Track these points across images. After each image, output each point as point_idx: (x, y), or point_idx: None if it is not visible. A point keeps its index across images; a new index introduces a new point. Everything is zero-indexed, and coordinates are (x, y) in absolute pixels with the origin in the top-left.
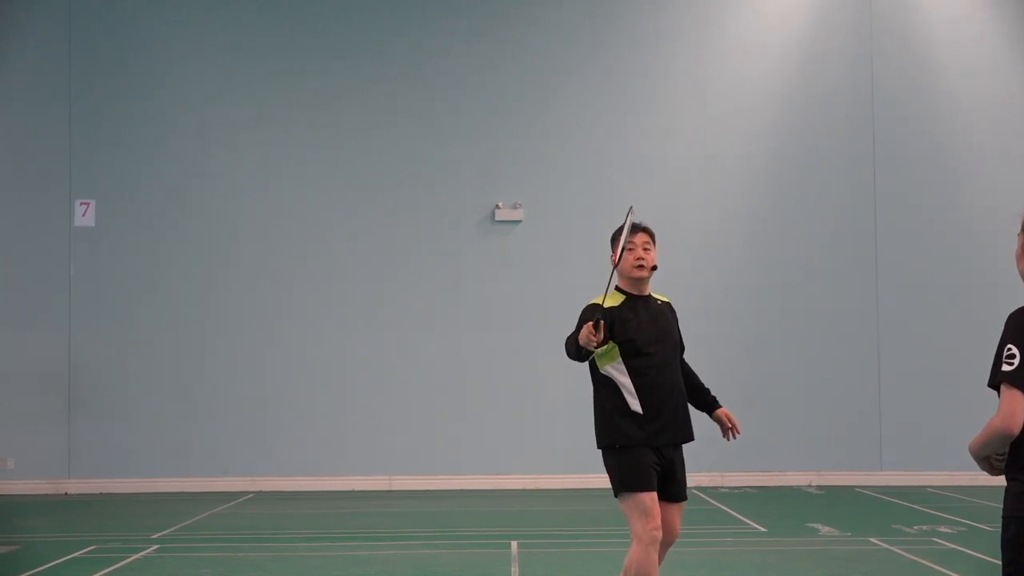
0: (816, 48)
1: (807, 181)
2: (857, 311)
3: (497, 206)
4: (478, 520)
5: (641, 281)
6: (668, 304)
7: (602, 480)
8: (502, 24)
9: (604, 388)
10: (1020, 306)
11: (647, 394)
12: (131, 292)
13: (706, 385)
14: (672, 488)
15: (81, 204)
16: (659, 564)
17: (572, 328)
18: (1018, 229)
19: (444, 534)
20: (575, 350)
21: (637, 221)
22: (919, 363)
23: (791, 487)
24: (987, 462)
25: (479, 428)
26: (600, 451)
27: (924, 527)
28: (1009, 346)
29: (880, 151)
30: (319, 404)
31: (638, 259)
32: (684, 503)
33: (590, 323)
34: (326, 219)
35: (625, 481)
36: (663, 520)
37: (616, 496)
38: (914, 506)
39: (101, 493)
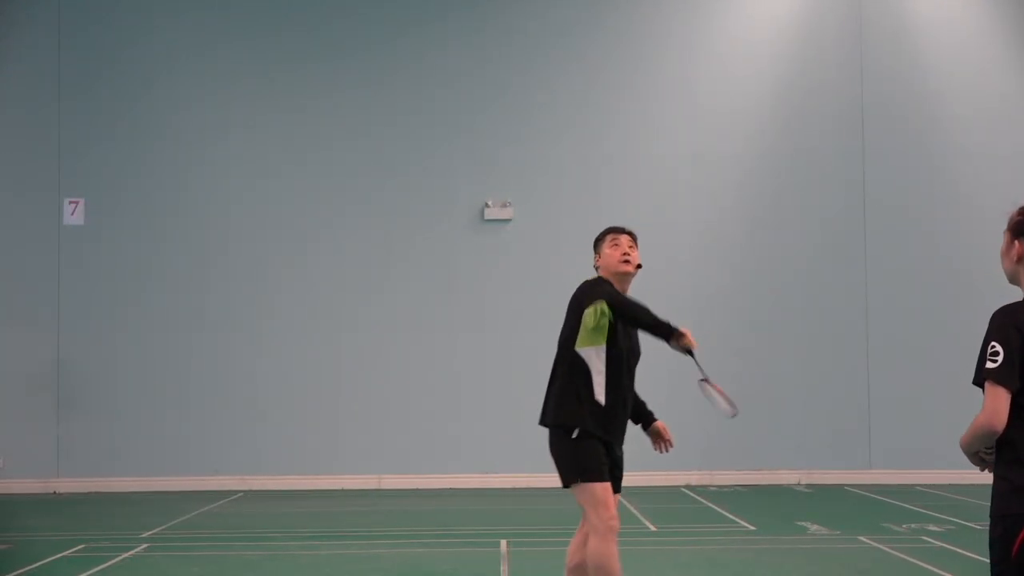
0: (806, 48)
1: (797, 181)
2: (846, 310)
3: (487, 204)
4: (468, 519)
5: (626, 278)
6: None
7: None
8: (492, 25)
9: (574, 368)
10: (1004, 304)
11: (612, 388)
12: (120, 291)
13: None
14: (613, 484)
15: (70, 203)
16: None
17: (564, 325)
18: (1005, 227)
19: (434, 533)
20: (666, 330)
21: (621, 226)
22: (908, 362)
23: (781, 485)
24: (977, 457)
25: (469, 427)
26: (548, 429)
27: (913, 525)
28: (993, 343)
29: (870, 150)
30: (309, 403)
31: (624, 255)
32: (619, 496)
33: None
34: (316, 218)
35: (583, 470)
36: None
37: (567, 486)
38: (903, 504)
39: (90, 492)
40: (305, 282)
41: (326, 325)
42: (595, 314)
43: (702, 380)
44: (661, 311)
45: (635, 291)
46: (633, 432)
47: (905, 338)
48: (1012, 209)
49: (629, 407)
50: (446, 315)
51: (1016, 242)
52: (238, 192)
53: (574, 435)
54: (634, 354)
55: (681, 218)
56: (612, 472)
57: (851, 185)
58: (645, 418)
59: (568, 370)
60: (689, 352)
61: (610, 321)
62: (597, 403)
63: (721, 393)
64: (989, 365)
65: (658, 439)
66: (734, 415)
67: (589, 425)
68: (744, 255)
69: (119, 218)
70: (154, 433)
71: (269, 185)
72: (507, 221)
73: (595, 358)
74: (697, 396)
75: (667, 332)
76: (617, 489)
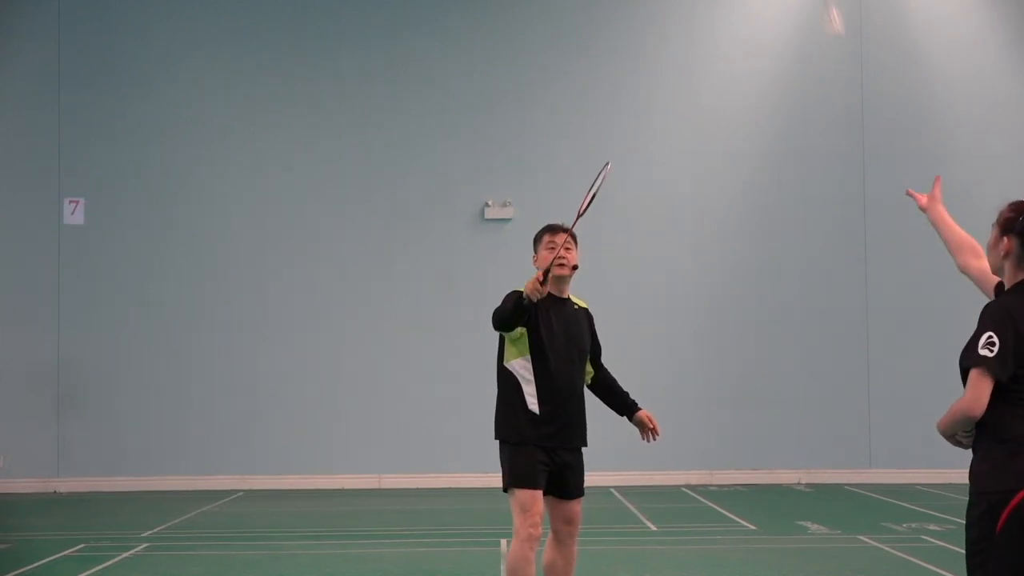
0: (806, 47)
1: (797, 180)
2: (846, 309)
3: (487, 204)
4: (468, 518)
5: (561, 280)
6: (585, 310)
7: (590, 479)
8: (492, 23)
9: (506, 383)
10: (996, 299)
11: (546, 396)
12: (120, 290)
13: (625, 389)
14: (565, 488)
15: (70, 202)
16: (573, 557)
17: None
18: (994, 221)
19: (434, 532)
20: (511, 308)
21: (559, 223)
22: (908, 361)
23: (781, 485)
24: (954, 439)
25: (469, 426)
26: (498, 443)
27: (913, 524)
28: (990, 333)
29: (869, 149)
30: (309, 402)
31: (559, 258)
32: (580, 498)
33: (539, 272)
34: (316, 218)
35: (512, 477)
36: (560, 514)
37: (505, 491)
38: (903, 504)
39: (91, 491)
40: (304, 281)
41: (326, 325)
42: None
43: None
44: (661, 309)
45: (634, 289)
46: (632, 432)
47: (905, 337)
48: (1003, 205)
49: (575, 406)
50: (446, 314)
51: (1004, 238)
52: (237, 191)
53: (513, 442)
54: (574, 351)
55: (682, 218)
56: (563, 476)
57: (851, 184)
58: (628, 409)
59: (501, 385)
60: (543, 279)
61: (534, 330)
62: (532, 413)
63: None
64: (984, 353)
65: (643, 429)
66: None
67: (528, 434)
68: (744, 254)
69: (120, 217)
70: (154, 433)
71: (268, 184)
72: (507, 220)
73: (521, 369)
74: (697, 396)
75: (519, 301)
76: (579, 493)
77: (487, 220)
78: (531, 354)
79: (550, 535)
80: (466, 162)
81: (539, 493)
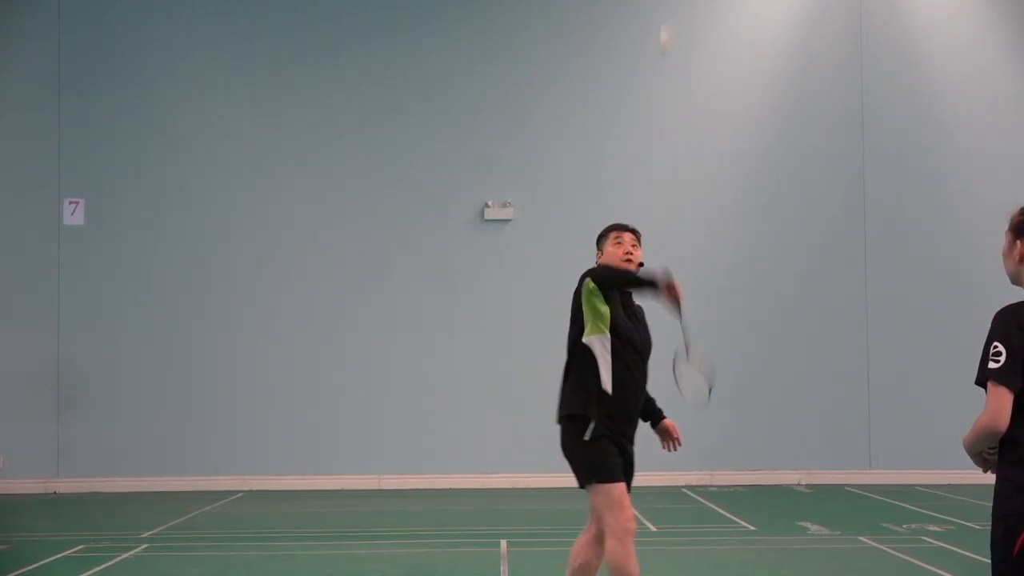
0: (806, 47)
1: (796, 180)
2: (846, 309)
3: (487, 205)
4: (468, 519)
5: None
6: (642, 309)
7: None
8: (492, 24)
9: (582, 361)
10: (1006, 304)
11: (619, 379)
12: (120, 291)
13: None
14: (627, 481)
15: (70, 203)
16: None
17: (560, 327)
18: (1006, 227)
19: (434, 533)
20: (635, 277)
21: (624, 223)
22: (908, 362)
23: (781, 485)
24: (980, 457)
25: (469, 427)
26: (560, 426)
27: (913, 525)
28: (995, 344)
29: (869, 150)
30: (309, 403)
31: (626, 254)
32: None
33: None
34: (316, 218)
35: (596, 472)
36: None
37: (583, 487)
38: (903, 505)
39: (90, 492)
40: (305, 282)
41: (326, 325)
42: (587, 297)
43: (676, 358)
44: (661, 308)
45: None
46: (637, 433)
47: (905, 338)
48: (1013, 209)
49: (640, 402)
50: (446, 315)
51: (1018, 242)
52: (237, 192)
53: (587, 436)
54: (643, 345)
55: (681, 218)
56: (625, 471)
57: (851, 185)
58: (654, 415)
59: (575, 364)
60: (677, 305)
61: (614, 308)
62: (604, 392)
63: (700, 370)
64: (992, 365)
65: (666, 437)
66: (699, 405)
67: (597, 418)
68: (744, 255)
69: (120, 218)
70: (154, 433)
71: (269, 185)
72: (507, 221)
73: (599, 346)
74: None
75: (652, 284)
76: (628, 488)
77: (487, 220)
78: (610, 331)
79: (591, 535)
80: (466, 162)
81: (624, 486)
